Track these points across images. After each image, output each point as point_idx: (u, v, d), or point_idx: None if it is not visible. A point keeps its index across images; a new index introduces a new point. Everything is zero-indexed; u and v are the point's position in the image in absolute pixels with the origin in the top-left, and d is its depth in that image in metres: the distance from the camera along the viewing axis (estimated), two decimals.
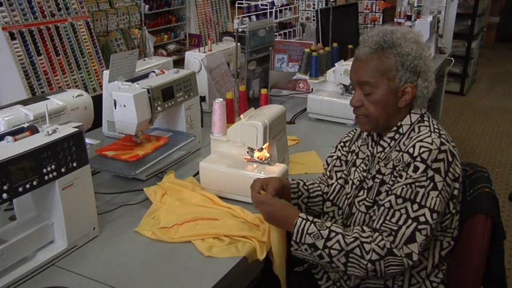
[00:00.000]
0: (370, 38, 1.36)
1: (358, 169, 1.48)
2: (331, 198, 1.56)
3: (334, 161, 1.59)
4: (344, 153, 1.58)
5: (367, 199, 1.40)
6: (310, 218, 1.32)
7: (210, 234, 1.42)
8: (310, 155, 2.04)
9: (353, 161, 1.52)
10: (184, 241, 1.41)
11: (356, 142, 1.55)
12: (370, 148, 1.46)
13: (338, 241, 1.28)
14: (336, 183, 1.56)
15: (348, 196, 1.48)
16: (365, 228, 1.33)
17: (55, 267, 1.31)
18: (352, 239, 1.28)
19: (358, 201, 1.43)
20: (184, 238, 1.42)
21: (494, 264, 1.46)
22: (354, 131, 1.60)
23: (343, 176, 1.55)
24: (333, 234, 1.29)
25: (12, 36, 3.06)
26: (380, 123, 1.39)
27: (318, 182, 1.63)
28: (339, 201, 1.54)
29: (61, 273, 1.29)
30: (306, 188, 1.59)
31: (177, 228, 1.45)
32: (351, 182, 1.49)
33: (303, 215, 1.33)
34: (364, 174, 1.44)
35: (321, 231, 1.29)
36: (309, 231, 1.30)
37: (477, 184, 1.51)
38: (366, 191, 1.42)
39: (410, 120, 1.38)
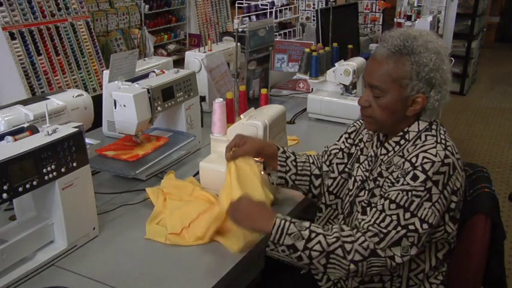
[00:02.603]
0: (391, 40, 1.32)
1: (361, 166, 1.47)
2: (334, 191, 1.55)
3: (337, 153, 1.57)
4: (348, 145, 1.56)
5: (364, 201, 1.40)
6: (289, 218, 1.29)
7: (217, 222, 1.40)
8: None
9: (357, 156, 1.51)
10: (202, 243, 1.41)
11: (361, 133, 1.54)
12: (374, 148, 1.45)
13: (319, 242, 1.24)
14: (339, 177, 1.55)
15: (350, 193, 1.48)
16: (344, 227, 1.30)
17: (55, 267, 1.31)
18: (334, 239, 1.25)
19: (359, 202, 1.43)
20: (199, 241, 1.41)
21: (494, 265, 1.46)
22: (360, 121, 1.58)
23: (346, 170, 1.54)
24: (313, 234, 1.26)
25: (12, 36, 3.06)
26: (385, 127, 1.39)
27: (309, 161, 1.61)
28: (343, 194, 1.54)
29: (61, 273, 1.29)
30: (294, 164, 1.57)
31: (186, 231, 1.45)
32: (353, 178, 1.49)
33: (280, 215, 1.30)
34: (367, 174, 1.44)
35: (302, 232, 1.26)
36: (289, 232, 1.26)
37: (477, 184, 1.51)
38: (366, 191, 1.41)
39: (418, 128, 1.36)
